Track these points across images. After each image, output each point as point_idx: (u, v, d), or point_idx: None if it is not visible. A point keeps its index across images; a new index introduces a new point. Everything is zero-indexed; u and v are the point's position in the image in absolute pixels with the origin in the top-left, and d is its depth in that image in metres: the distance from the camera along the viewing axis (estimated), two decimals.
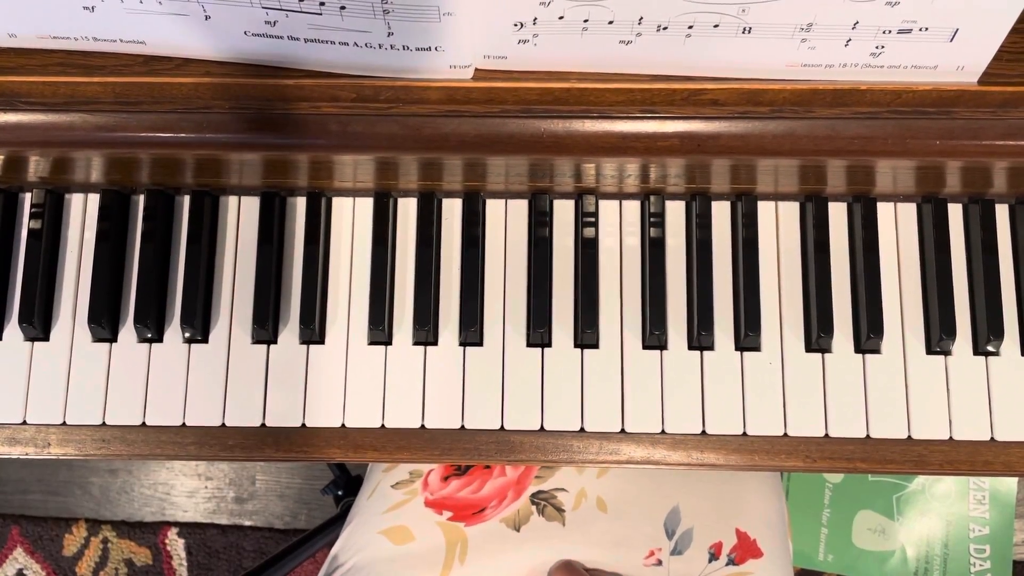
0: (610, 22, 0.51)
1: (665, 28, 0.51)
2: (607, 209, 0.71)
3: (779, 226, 0.72)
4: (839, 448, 0.69)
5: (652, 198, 0.70)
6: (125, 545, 1.53)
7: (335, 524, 1.18)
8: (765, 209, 0.72)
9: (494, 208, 0.71)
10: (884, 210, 0.71)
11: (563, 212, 0.71)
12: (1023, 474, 0.70)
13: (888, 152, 0.55)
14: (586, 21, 0.51)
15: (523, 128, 0.55)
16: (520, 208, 0.71)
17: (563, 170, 0.65)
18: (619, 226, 0.72)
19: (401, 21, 0.49)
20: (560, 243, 0.71)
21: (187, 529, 1.53)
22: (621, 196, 0.70)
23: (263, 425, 0.68)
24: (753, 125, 0.54)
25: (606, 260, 0.71)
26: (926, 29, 0.50)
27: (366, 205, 0.72)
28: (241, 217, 0.72)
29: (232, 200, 0.71)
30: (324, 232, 0.71)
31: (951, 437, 0.69)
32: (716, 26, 0.50)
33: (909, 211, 0.72)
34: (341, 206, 0.72)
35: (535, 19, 0.50)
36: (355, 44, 0.51)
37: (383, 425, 0.69)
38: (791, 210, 0.72)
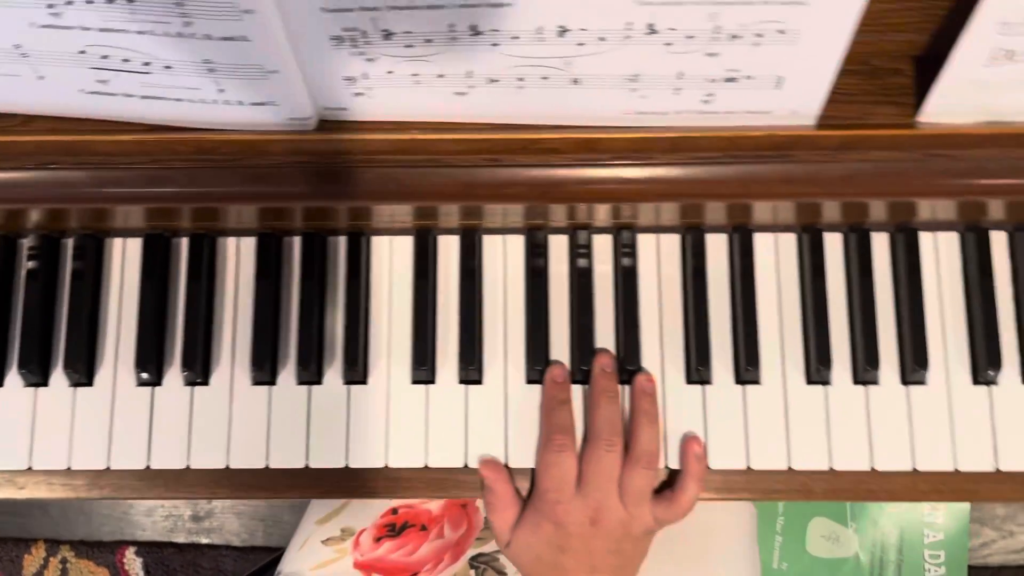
0: (440, 76, 0.51)
1: (496, 81, 0.51)
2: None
3: (660, 256, 0.72)
4: (720, 478, 0.70)
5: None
6: (84, 564, 1.54)
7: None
8: (646, 241, 0.72)
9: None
10: (762, 240, 0.72)
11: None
12: (902, 500, 0.71)
13: (730, 195, 0.55)
14: (416, 75, 0.51)
15: (367, 177, 0.55)
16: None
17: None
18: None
19: (229, 79, 0.50)
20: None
21: (145, 548, 1.53)
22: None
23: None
24: (595, 173, 0.54)
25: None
26: (751, 78, 0.50)
27: (249, 244, 0.72)
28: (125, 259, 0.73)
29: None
30: (208, 273, 0.72)
31: (831, 468, 0.69)
32: (545, 78, 0.51)
33: (789, 241, 0.72)
34: (225, 246, 0.72)
35: (365, 74, 0.51)
36: (189, 100, 0.52)
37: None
38: (673, 241, 0.72)
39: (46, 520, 1.55)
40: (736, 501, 0.71)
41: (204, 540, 1.55)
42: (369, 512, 0.78)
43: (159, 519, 1.54)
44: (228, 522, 1.55)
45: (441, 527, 0.76)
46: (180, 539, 1.55)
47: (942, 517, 1.41)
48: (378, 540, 0.76)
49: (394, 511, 0.77)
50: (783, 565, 1.42)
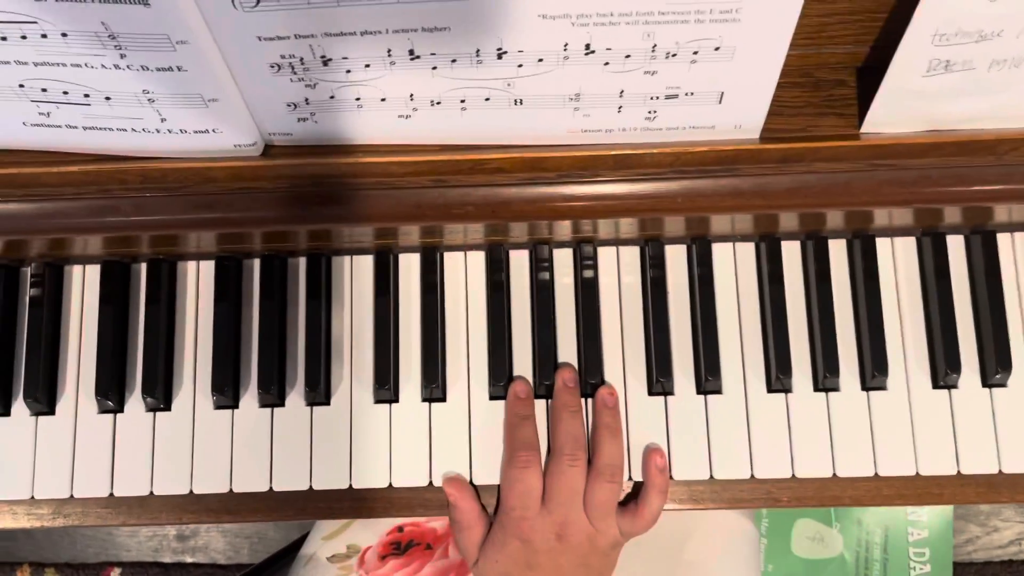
0: (382, 100, 0.51)
1: (439, 103, 0.51)
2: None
3: (620, 268, 0.72)
4: (685, 489, 0.70)
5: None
6: None
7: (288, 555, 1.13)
8: (606, 254, 0.72)
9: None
10: (721, 250, 0.72)
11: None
12: (869, 505, 0.71)
13: (677, 210, 0.55)
14: (358, 99, 0.51)
15: (314, 201, 0.55)
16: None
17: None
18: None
19: (169, 108, 0.50)
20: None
21: (130, 569, 1.53)
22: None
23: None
24: (542, 191, 0.54)
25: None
26: (692, 94, 0.50)
27: (208, 268, 0.72)
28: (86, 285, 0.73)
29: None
30: (167, 298, 0.71)
31: (794, 475, 0.69)
32: (487, 99, 0.51)
33: (748, 250, 0.72)
34: (185, 270, 0.72)
35: (306, 99, 0.51)
36: (133, 130, 0.52)
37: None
38: (632, 253, 0.72)
39: (30, 543, 1.54)
40: (704, 511, 0.71)
41: (189, 559, 1.54)
42: (375, 529, 0.78)
43: (144, 539, 1.54)
44: (213, 541, 1.54)
45: (446, 547, 0.75)
46: (166, 559, 1.54)
47: (926, 515, 1.41)
48: (383, 558, 0.75)
49: (400, 529, 0.77)
50: (769, 567, 1.43)
